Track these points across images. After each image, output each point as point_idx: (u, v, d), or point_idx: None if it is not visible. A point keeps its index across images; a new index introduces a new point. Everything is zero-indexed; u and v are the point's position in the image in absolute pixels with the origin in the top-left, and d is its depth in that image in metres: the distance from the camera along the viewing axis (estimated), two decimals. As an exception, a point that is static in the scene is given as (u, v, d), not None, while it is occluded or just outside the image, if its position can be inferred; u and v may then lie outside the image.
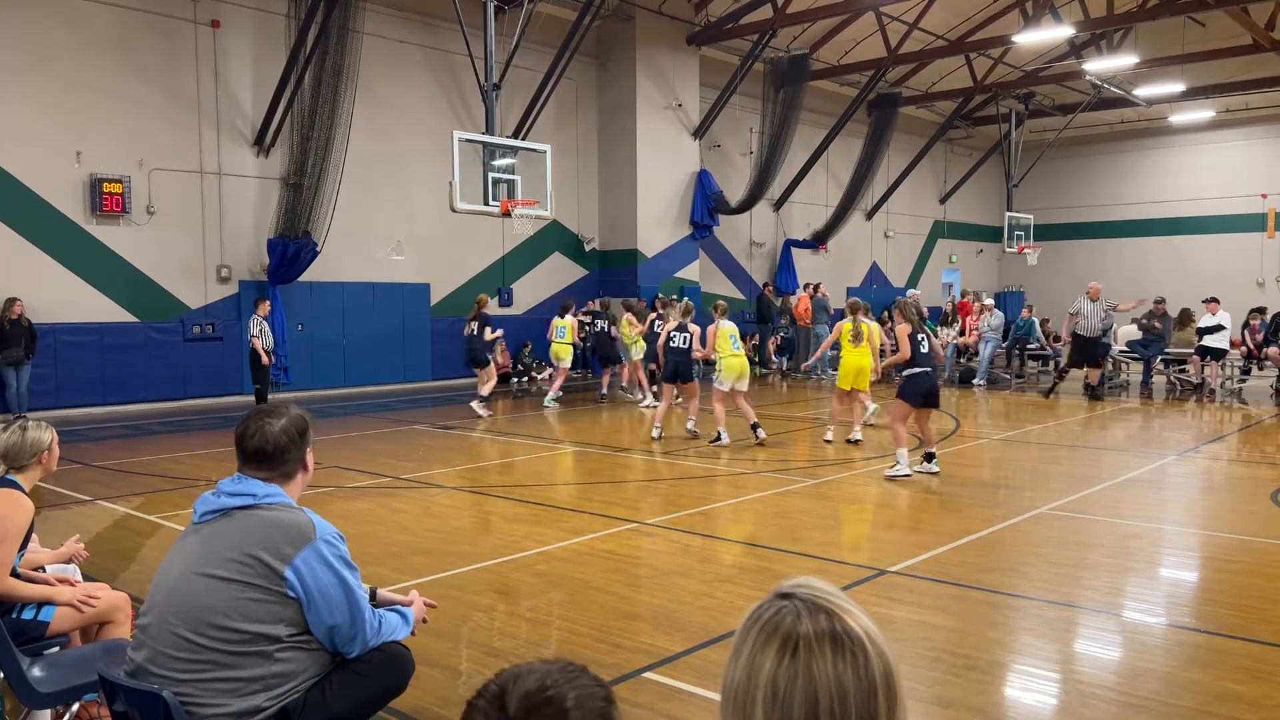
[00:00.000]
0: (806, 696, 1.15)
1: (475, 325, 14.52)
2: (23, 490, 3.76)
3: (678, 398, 13.08)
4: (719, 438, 11.59)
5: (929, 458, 9.60)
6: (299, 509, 2.86)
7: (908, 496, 8.84)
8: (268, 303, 14.65)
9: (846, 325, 11.89)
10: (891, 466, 9.37)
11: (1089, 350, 16.66)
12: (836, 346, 12.49)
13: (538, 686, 1.21)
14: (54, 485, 8.90)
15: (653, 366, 16.17)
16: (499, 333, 14.94)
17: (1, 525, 3.58)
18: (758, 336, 23.60)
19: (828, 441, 11.70)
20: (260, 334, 13.99)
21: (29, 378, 13.73)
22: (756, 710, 1.17)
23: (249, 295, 16.22)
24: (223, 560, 2.70)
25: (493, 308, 20.39)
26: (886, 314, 15.47)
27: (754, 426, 11.60)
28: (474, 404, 14.43)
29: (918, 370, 9.30)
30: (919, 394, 9.31)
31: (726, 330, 11.76)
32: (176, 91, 15.78)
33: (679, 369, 12.13)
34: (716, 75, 22.74)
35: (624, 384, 16.77)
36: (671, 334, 12.25)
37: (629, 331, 16.56)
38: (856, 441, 11.63)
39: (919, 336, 9.39)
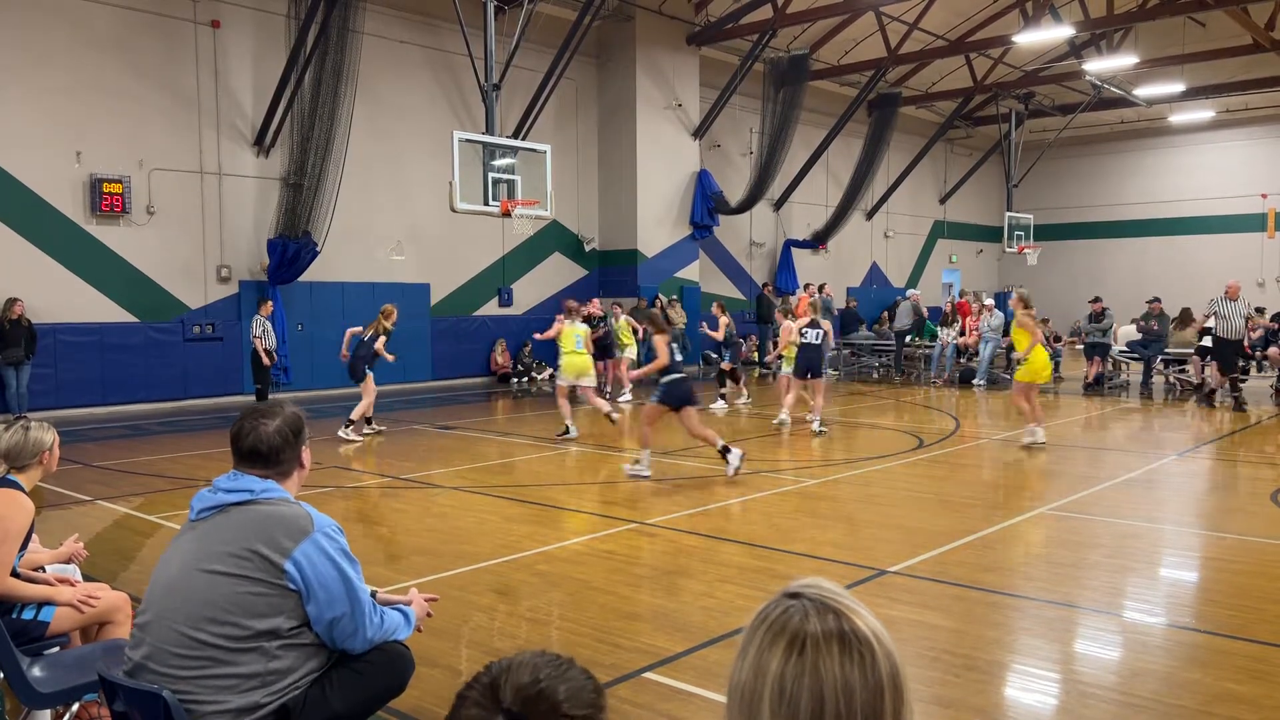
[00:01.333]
0: (813, 695, 1.15)
1: (369, 334, 12.42)
2: (23, 490, 3.76)
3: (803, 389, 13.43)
4: (567, 431, 12.22)
5: (726, 451, 9.46)
6: (296, 503, 2.86)
7: (907, 497, 8.84)
8: (270, 303, 14.61)
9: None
10: (633, 465, 9.64)
11: (1230, 354, 15.47)
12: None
13: (530, 680, 1.23)
14: (54, 485, 8.90)
15: (727, 366, 16.46)
16: (391, 357, 12.67)
17: (2, 525, 3.58)
18: (756, 337, 23.59)
19: (1030, 445, 11.43)
20: (263, 334, 13.96)
21: (29, 378, 13.73)
22: (763, 709, 1.17)
23: (249, 295, 16.23)
24: (222, 555, 2.70)
25: (492, 308, 20.45)
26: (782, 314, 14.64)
27: (608, 415, 12.66)
28: (344, 431, 12.14)
29: (676, 376, 9.51)
30: (676, 398, 9.43)
31: (571, 331, 12.53)
32: (176, 91, 15.77)
33: (811, 364, 12.70)
34: (716, 75, 22.74)
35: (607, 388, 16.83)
36: (804, 329, 12.79)
37: (626, 332, 16.75)
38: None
39: (673, 345, 9.70)
